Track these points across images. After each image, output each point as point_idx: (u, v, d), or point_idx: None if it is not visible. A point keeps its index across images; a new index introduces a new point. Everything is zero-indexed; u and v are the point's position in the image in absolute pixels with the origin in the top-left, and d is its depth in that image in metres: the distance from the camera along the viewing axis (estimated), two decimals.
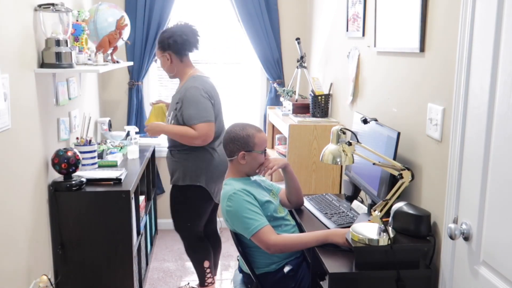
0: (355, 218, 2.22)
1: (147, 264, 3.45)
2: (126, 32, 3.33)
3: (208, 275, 3.01)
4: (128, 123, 4.06)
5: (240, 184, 2.19)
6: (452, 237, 1.62)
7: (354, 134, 2.03)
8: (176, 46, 2.85)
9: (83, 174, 2.73)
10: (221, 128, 2.91)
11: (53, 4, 2.43)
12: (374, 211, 1.87)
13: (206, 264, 2.98)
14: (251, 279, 2.24)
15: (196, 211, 2.91)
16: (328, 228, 2.16)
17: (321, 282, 2.01)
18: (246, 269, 2.26)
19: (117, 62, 3.20)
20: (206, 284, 3.02)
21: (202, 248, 2.99)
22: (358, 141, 1.96)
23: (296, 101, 3.57)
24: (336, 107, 3.36)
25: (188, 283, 3.34)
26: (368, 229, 1.88)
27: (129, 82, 4.04)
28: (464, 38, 1.64)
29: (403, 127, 2.17)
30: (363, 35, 2.77)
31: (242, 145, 2.22)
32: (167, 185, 4.19)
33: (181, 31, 2.85)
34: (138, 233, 2.99)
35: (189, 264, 3.53)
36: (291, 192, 2.38)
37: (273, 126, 3.91)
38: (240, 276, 2.39)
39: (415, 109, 2.11)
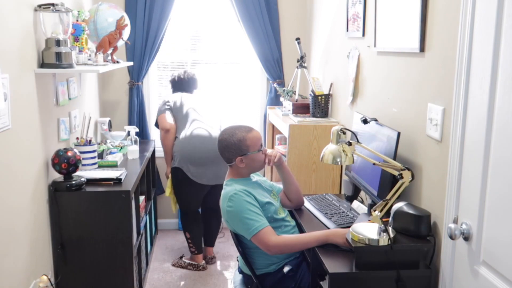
0: (355, 218, 2.22)
1: (147, 264, 3.45)
2: (126, 32, 3.33)
3: (190, 245, 3.59)
4: (129, 123, 4.06)
5: (240, 185, 2.19)
6: (452, 237, 1.62)
7: (354, 134, 2.03)
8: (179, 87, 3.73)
9: (83, 174, 2.73)
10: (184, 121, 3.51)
11: (53, 4, 2.43)
12: (374, 211, 1.87)
13: (187, 235, 3.59)
14: (251, 279, 2.24)
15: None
16: (328, 228, 2.16)
17: (321, 282, 2.01)
18: (246, 269, 2.26)
19: (117, 62, 3.20)
20: (191, 251, 3.62)
21: (184, 221, 3.62)
22: (358, 141, 1.96)
23: (296, 101, 3.57)
24: (336, 107, 3.36)
25: (183, 255, 3.76)
26: (368, 229, 1.88)
27: (129, 82, 4.04)
28: (464, 38, 1.64)
29: (403, 127, 2.17)
30: (363, 35, 2.77)
31: (236, 151, 2.22)
32: (164, 185, 4.19)
33: (184, 77, 3.75)
34: (138, 233, 2.99)
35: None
36: (290, 189, 2.38)
37: (273, 126, 3.91)
38: (240, 276, 2.39)
39: (415, 109, 2.11)
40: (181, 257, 3.68)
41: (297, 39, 3.55)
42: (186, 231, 3.59)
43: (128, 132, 3.59)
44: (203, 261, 3.62)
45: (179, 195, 3.56)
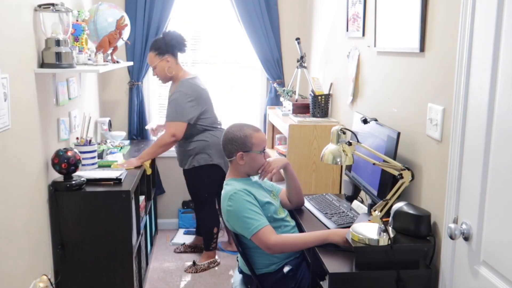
0: (355, 218, 2.22)
1: (147, 264, 3.45)
2: (126, 32, 3.33)
3: (214, 240, 3.56)
4: (129, 123, 4.06)
5: (240, 184, 2.19)
6: (452, 237, 1.62)
7: (354, 134, 2.03)
8: (175, 48, 3.32)
9: (83, 174, 2.73)
10: (213, 116, 3.42)
11: (53, 4, 2.43)
12: (374, 211, 1.88)
13: (215, 230, 3.53)
14: (251, 279, 2.24)
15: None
16: (328, 228, 2.16)
17: (321, 282, 2.01)
18: (246, 269, 2.26)
19: (117, 62, 3.20)
20: (211, 248, 3.56)
21: (214, 216, 3.53)
22: (358, 141, 1.96)
23: (296, 101, 3.57)
24: (336, 107, 3.36)
25: (184, 244, 3.86)
26: (368, 229, 1.88)
27: (129, 82, 4.04)
28: (464, 38, 1.64)
29: (403, 127, 2.17)
30: (363, 35, 2.77)
31: (240, 145, 2.22)
32: (167, 185, 4.20)
33: (175, 35, 3.32)
34: (138, 233, 2.99)
35: (189, 264, 3.56)
36: (292, 192, 2.38)
37: (273, 126, 3.91)
38: (240, 276, 2.39)
39: (415, 109, 2.11)
40: (194, 264, 3.53)
41: (297, 39, 3.55)
42: (215, 226, 3.52)
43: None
44: (217, 255, 3.62)
45: (211, 191, 3.43)
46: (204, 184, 3.45)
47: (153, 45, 3.32)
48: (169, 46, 3.28)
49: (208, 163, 3.36)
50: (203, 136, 3.35)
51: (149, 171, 3.39)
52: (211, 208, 3.55)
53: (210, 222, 3.53)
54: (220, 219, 3.77)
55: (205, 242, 3.58)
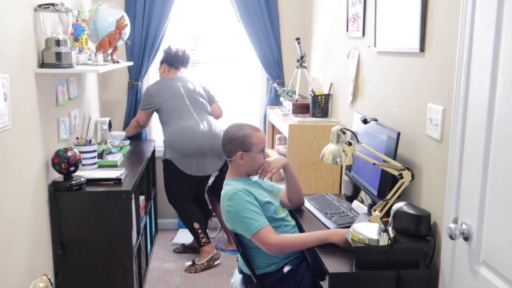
0: (355, 218, 2.22)
1: (147, 264, 3.45)
2: (126, 32, 3.33)
3: (201, 235, 3.54)
4: (129, 123, 4.05)
5: (240, 184, 2.19)
6: (452, 237, 1.62)
7: (354, 134, 2.03)
8: (170, 62, 3.76)
9: (83, 174, 2.73)
10: (174, 114, 3.58)
11: (53, 4, 2.42)
12: (374, 211, 1.88)
13: (196, 225, 3.53)
14: (251, 279, 2.24)
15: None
16: (328, 228, 2.16)
17: (321, 282, 2.01)
18: (246, 269, 2.26)
19: (117, 62, 3.20)
20: (202, 244, 3.54)
21: (189, 212, 3.59)
22: (358, 141, 1.96)
23: (296, 101, 3.57)
24: (336, 107, 3.36)
25: (183, 244, 3.89)
26: (368, 229, 1.88)
27: (129, 82, 4.04)
28: (464, 38, 1.64)
29: (403, 127, 2.17)
30: (363, 35, 2.77)
31: (239, 145, 2.22)
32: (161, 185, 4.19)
33: (176, 49, 3.76)
34: (138, 233, 2.99)
35: (189, 264, 3.55)
36: (292, 192, 2.38)
37: (273, 126, 3.91)
38: (240, 276, 2.39)
39: (415, 109, 2.11)
40: (193, 264, 3.53)
41: (297, 39, 3.55)
42: (193, 222, 3.54)
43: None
44: (214, 249, 3.60)
45: (171, 188, 3.64)
46: (165, 180, 3.66)
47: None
48: (166, 58, 3.76)
49: (164, 157, 3.60)
50: (164, 130, 3.62)
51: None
52: (185, 204, 3.61)
53: (188, 219, 3.58)
54: (218, 218, 3.96)
55: (196, 241, 3.62)
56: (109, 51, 3.09)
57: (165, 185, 3.67)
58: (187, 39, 4.21)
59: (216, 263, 3.56)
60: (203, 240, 3.55)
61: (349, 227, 1.97)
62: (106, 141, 3.53)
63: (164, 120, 3.59)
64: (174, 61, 3.69)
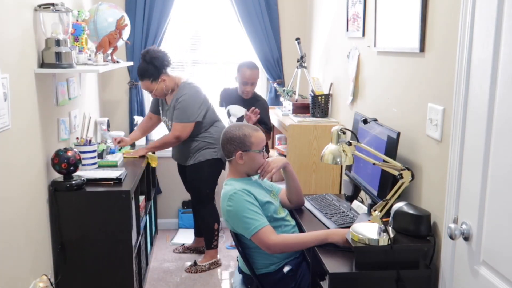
0: (355, 218, 2.22)
1: (147, 264, 3.45)
2: (126, 32, 3.33)
3: (216, 238, 3.54)
4: (129, 123, 4.05)
5: (240, 184, 2.19)
6: (452, 237, 1.62)
7: (354, 134, 2.03)
8: (165, 66, 3.34)
9: (83, 174, 2.73)
10: (214, 112, 3.50)
11: (53, 4, 2.42)
12: (374, 211, 1.88)
13: (216, 226, 3.52)
14: (251, 279, 2.24)
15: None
16: (328, 228, 2.16)
17: (321, 282, 2.01)
18: (245, 269, 2.26)
19: (117, 62, 3.20)
20: (212, 246, 3.55)
21: (214, 211, 3.54)
22: (358, 141, 1.96)
23: (296, 101, 3.57)
24: (336, 107, 3.36)
25: (183, 244, 3.86)
26: (368, 229, 1.88)
27: (129, 82, 4.04)
28: (464, 38, 1.64)
29: (403, 127, 2.17)
30: (363, 35, 2.77)
31: (239, 145, 2.22)
32: (166, 185, 4.19)
33: (158, 55, 3.31)
34: (138, 233, 2.99)
35: (189, 264, 3.56)
36: (291, 191, 2.38)
37: (273, 126, 3.91)
38: (240, 276, 2.39)
39: (415, 109, 2.11)
40: (195, 264, 3.53)
41: (297, 39, 3.55)
42: (215, 222, 3.50)
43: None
44: (218, 256, 3.59)
45: (213, 186, 3.52)
46: (207, 179, 3.48)
47: (144, 74, 3.30)
48: (160, 68, 3.29)
49: (214, 157, 3.42)
50: (209, 131, 3.43)
51: (154, 164, 3.50)
52: (211, 204, 3.54)
53: (211, 218, 3.51)
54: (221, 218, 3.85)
55: (206, 241, 3.56)
56: (109, 51, 3.10)
57: (202, 185, 3.48)
58: (187, 39, 4.21)
59: (217, 268, 3.56)
60: (215, 243, 3.54)
61: (349, 227, 1.97)
62: (106, 141, 3.53)
63: (209, 121, 3.43)
64: (167, 62, 3.34)
